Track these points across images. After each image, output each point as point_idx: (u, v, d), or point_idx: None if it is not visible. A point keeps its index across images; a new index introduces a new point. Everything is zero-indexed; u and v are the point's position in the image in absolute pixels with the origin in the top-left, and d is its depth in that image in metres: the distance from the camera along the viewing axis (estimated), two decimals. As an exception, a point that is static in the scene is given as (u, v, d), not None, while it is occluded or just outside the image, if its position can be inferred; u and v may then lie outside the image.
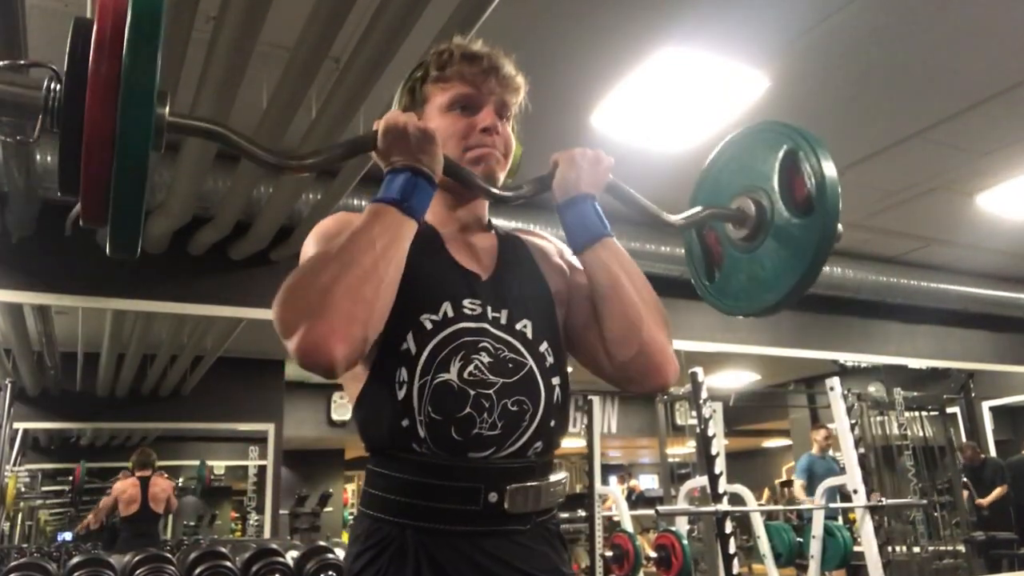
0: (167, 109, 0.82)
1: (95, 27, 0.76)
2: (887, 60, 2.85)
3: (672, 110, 3.11)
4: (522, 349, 0.93)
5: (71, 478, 6.67)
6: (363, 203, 3.41)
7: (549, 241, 1.10)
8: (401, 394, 0.88)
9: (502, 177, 1.01)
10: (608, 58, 2.74)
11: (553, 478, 0.94)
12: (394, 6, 1.94)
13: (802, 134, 1.09)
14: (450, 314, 0.91)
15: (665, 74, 2.82)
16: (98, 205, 0.79)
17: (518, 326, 0.94)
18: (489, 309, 0.94)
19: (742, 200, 1.14)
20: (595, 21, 2.53)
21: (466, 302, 0.93)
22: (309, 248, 0.95)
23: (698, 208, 1.16)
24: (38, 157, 2.85)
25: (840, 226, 1.06)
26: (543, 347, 0.95)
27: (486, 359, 0.90)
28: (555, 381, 0.95)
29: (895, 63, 2.87)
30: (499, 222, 1.11)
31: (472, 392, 0.88)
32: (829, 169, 1.05)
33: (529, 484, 0.90)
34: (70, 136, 0.77)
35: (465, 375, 0.89)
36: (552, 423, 0.93)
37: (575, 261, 1.04)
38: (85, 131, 0.75)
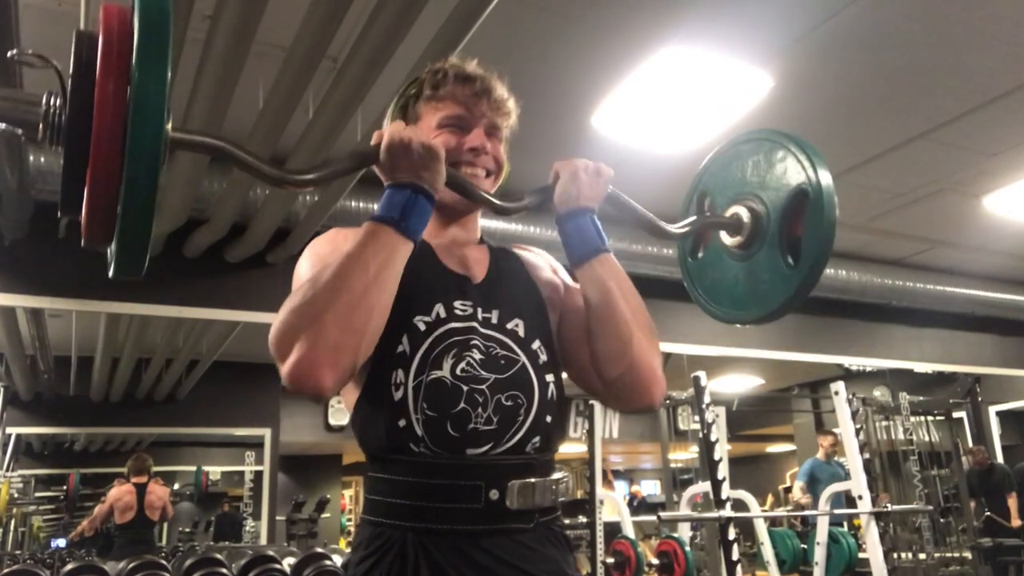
0: (170, 124, 0.79)
1: (100, 42, 0.73)
2: (893, 60, 2.81)
3: (674, 111, 3.07)
4: (514, 346, 0.96)
5: (65, 487, 6.64)
6: (360, 205, 3.38)
7: (541, 256, 1.14)
8: (398, 395, 0.90)
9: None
10: (609, 58, 2.69)
11: (553, 476, 0.96)
12: (392, 6, 1.91)
13: (793, 139, 1.10)
14: (442, 315, 0.94)
15: (667, 74, 2.77)
16: (104, 226, 0.76)
17: (509, 325, 0.97)
18: (479, 310, 0.97)
19: (737, 208, 1.13)
20: (595, 20, 2.49)
21: (457, 303, 0.96)
22: (302, 270, 0.96)
23: (693, 217, 1.18)
24: (31, 158, 2.80)
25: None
26: (535, 345, 0.98)
27: (478, 356, 0.93)
28: (549, 378, 0.97)
29: (901, 63, 2.83)
30: (494, 224, 1.09)
31: (465, 388, 0.90)
32: (825, 177, 1.05)
33: (529, 480, 0.91)
34: (74, 155, 0.74)
35: (458, 371, 0.91)
36: (548, 418, 0.95)
37: (568, 280, 1.08)
38: (92, 151, 0.72)
